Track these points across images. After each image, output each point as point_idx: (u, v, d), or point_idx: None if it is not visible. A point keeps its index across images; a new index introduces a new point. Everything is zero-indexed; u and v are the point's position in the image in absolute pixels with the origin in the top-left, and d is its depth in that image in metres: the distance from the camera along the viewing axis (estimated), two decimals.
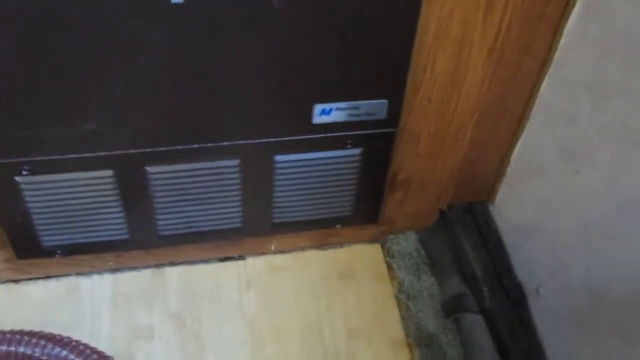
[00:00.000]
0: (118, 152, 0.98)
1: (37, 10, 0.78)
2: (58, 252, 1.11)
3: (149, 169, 1.00)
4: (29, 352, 1.04)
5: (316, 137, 1.02)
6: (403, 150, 1.10)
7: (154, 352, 1.12)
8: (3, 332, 1.05)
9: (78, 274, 1.20)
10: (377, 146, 1.06)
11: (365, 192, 1.14)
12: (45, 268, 1.17)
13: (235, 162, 1.02)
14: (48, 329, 1.09)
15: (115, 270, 1.21)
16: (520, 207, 1.17)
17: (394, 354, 1.15)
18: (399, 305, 1.20)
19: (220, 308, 1.18)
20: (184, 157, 1.00)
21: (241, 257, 1.24)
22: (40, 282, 1.19)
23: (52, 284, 1.19)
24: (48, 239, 1.08)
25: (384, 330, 1.17)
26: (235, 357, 1.13)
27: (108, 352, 1.08)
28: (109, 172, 1.00)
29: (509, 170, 1.19)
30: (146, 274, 1.21)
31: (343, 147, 1.04)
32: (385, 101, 0.98)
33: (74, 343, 1.07)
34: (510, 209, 1.21)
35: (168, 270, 1.22)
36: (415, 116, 1.04)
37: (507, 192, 1.21)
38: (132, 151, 0.98)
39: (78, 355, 1.05)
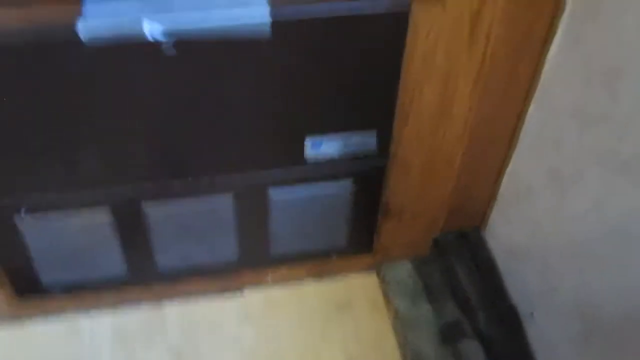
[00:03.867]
0: (114, 189, 1.00)
1: (32, 55, 0.81)
2: (57, 289, 1.13)
3: (145, 205, 1.02)
4: None
5: (309, 170, 1.04)
6: (394, 180, 1.12)
7: None
8: None
9: (77, 311, 1.21)
10: (368, 177, 1.08)
11: (359, 222, 1.16)
12: (45, 306, 1.19)
13: (230, 196, 1.04)
14: None
15: (114, 306, 1.22)
16: (512, 231, 1.19)
17: None
18: (395, 332, 1.21)
19: (219, 341, 1.19)
20: (179, 193, 1.02)
21: (239, 290, 1.26)
22: (40, 320, 1.20)
23: (51, 322, 1.20)
24: (47, 277, 1.10)
25: (382, 359, 1.18)
26: None
27: None
28: (106, 209, 1.02)
29: (499, 195, 1.21)
30: (146, 310, 1.22)
31: (336, 179, 1.06)
32: (374, 132, 1.01)
33: None
34: (502, 233, 1.23)
35: (167, 305, 1.23)
36: (404, 146, 1.06)
37: (498, 216, 1.23)
38: (128, 188, 1.00)
39: None
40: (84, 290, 1.16)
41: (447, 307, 1.21)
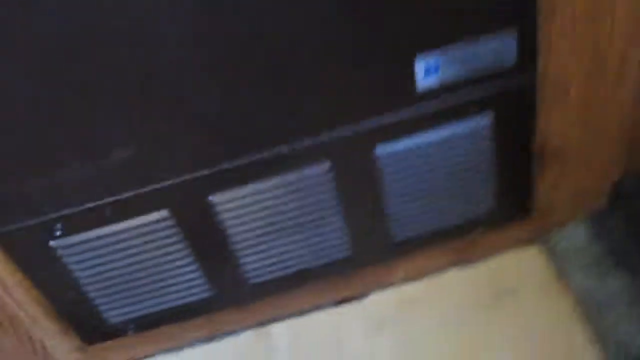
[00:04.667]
0: (168, 183, 0.73)
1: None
2: (130, 327, 0.87)
3: (214, 198, 0.75)
4: None
5: (426, 110, 0.73)
6: (547, 107, 0.79)
7: None
8: None
9: (165, 351, 0.96)
10: (512, 106, 0.76)
11: (507, 176, 0.84)
12: (125, 351, 0.94)
13: (325, 165, 0.75)
14: None
15: (209, 339, 0.96)
16: None
17: None
18: (583, 322, 0.88)
19: None
20: (255, 174, 0.75)
21: (363, 295, 0.96)
22: None
23: None
24: (113, 314, 0.85)
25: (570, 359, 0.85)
26: None
27: None
28: (164, 213, 0.75)
29: None
30: (248, 338, 0.96)
31: (466, 117, 0.75)
32: (512, 34, 0.69)
33: None
34: None
35: (274, 328, 0.96)
36: (556, 52, 0.74)
37: None
38: (187, 177, 0.73)
39: None
40: (165, 325, 0.90)
41: None
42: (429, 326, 0.92)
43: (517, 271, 0.94)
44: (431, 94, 0.71)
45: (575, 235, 0.94)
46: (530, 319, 0.90)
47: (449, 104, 0.73)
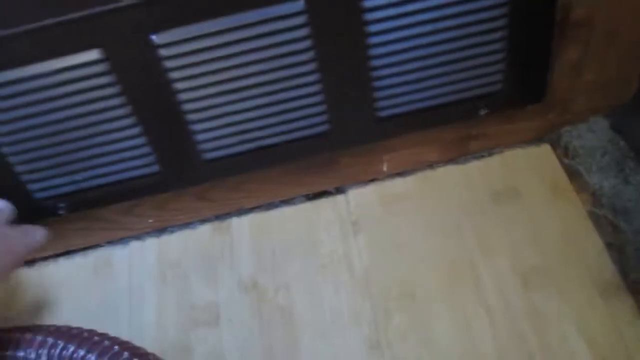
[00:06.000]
0: (98, 20, 0.59)
1: None
2: (60, 206, 0.74)
3: (156, 37, 0.61)
4: (32, 356, 0.68)
5: None
6: None
7: (222, 342, 0.73)
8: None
9: (110, 242, 0.83)
10: None
11: (523, 46, 0.70)
12: (63, 239, 0.81)
13: (299, 3, 0.61)
14: (73, 319, 0.71)
15: (160, 230, 0.83)
16: None
17: (603, 305, 0.69)
18: (599, 227, 0.74)
19: (316, 267, 0.77)
20: (209, 10, 0.60)
21: (339, 191, 0.83)
22: (61, 260, 0.83)
23: (76, 260, 0.83)
24: (38, 187, 0.71)
25: (581, 271, 0.72)
26: (349, 337, 0.71)
27: (154, 347, 0.69)
28: (95, 54, 0.61)
29: None
30: (204, 231, 0.83)
31: None
32: None
33: (96, 338, 0.69)
34: None
35: (235, 222, 0.83)
36: None
37: None
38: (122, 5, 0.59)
39: (101, 354, 0.67)
40: (105, 207, 0.77)
41: None
42: (416, 228, 0.79)
43: (523, 170, 0.81)
44: None
45: (593, 134, 0.80)
46: (536, 223, 0.76)
47: None
